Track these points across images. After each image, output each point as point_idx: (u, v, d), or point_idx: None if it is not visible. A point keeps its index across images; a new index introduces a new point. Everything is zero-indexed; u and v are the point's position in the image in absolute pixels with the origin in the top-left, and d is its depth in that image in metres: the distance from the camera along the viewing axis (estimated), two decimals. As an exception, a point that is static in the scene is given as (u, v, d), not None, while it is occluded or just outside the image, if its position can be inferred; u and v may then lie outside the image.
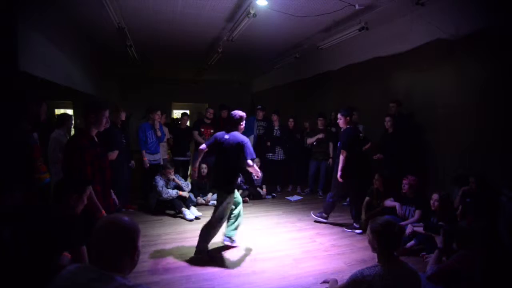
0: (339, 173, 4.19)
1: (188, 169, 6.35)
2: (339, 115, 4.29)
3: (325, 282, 2.62)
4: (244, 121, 3.51)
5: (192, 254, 3.38)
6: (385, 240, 1.78)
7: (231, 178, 3.41)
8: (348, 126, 4.25)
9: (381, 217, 1.95)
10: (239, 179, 5.82)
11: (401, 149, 4.61)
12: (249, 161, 3.29)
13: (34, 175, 2.81)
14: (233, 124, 3.47)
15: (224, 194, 3.38)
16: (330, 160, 5.96)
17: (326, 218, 4.53)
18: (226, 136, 3.41)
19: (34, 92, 3.93)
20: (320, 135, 5.94)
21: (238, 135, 3.39)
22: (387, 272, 1.73)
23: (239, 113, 3.49)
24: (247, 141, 3.34)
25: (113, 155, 4.21)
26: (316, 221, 4.54)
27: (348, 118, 4.24)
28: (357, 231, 4.17)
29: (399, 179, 4.05)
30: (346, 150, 4.13)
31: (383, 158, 4.87)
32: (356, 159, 4.19)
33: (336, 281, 2.22)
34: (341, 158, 4.15)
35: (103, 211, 2.31)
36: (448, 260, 2.17)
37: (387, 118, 4.74)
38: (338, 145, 4.35)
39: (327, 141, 5.99)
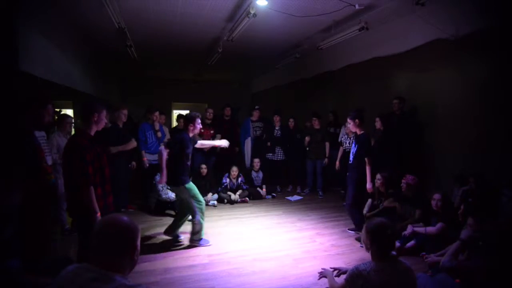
0: (369, 185, 3.88)
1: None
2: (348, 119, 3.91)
3: (322, 277, 2.64)
4: (196, 123, 3.63)
5: (192, 254, 3.39)
6: (378, 241, 1.81)
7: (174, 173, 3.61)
8: (362, 130, 3.88)
9: (378, 218, 2.00)
10: (239, 179, 5.82)
11: (401, 148, 4.61)
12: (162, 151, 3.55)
13: (41, 175, 2.78)
14: (184, 125, 3.78)
15: (175, 188, 3.68)
16: (326, 159, 6.00)
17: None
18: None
19: (38, 93, 3.92)
20: (307, 138, 6.03)
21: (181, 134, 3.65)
22: (382, 268, 1.76)
23: (191, 114, 3.71)
24: (181, 139, 3.56)
25: (133, 144, 4.60)
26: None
27: (357, 121, 3.82)
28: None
29: (399, 179, 4.04)
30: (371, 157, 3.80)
31: (383, 158, 4.85)
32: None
33: (331, 272, 2.23)
34: (368, 167, 3.79)
35: (99, 213, 2.31)
36: (469, 260, 2.14)
37: (377, 119, 4.87)
38: (355, 151, 3.92)
39: (323, 141, 6.00)
